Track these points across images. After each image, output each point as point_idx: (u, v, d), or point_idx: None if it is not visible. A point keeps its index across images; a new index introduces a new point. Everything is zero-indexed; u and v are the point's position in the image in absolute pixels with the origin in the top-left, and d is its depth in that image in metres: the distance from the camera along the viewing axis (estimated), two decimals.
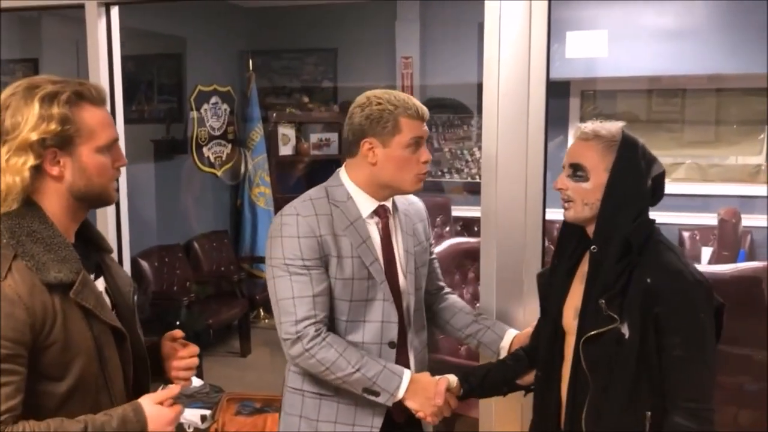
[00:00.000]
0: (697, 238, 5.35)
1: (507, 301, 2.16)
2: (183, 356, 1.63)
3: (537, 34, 2.07)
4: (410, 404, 1.79)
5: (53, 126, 1.35)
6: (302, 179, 5.93)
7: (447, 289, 2.15)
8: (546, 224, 2.14)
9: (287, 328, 1.76)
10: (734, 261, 4.55)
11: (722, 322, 1.61)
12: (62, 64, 4.35)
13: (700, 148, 5.79)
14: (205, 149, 5.55)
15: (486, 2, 2.11)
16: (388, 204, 1.91)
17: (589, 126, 1.65)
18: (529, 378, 1.86)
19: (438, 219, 5.59)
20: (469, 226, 5.61)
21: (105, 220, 2.66)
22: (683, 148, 5.79)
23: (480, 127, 2.19)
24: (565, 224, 1.73)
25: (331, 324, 1.82)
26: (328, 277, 1.80)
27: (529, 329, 1.95)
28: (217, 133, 5.68)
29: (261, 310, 5.73)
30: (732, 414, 2.89)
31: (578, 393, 1.63)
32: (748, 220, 5.05)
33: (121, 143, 2.53)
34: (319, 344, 1.75)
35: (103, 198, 1.47)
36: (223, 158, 5.75)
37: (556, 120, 4.36)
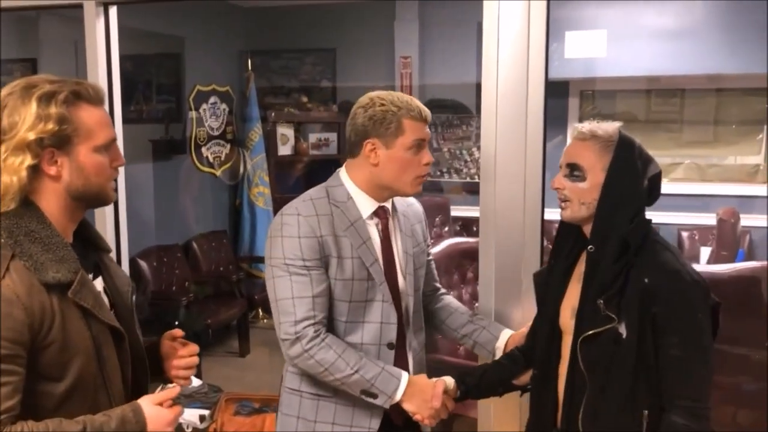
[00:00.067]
0: (696, 238, 5.36)
1: (506, 301, 2.16)
2: (183, 355, 1.62)
3: (536, 33, 2.07)
4: (407, 407, 1.79)
5: (50, 126, 1.34)
6: (301, 179, 5.93)
7: (443, 290, 2.15)
8: (545, 224, 2.14)
9: (286, 328, 1.76)
10: (733, 261, 4.56)
11: (718, 321, 1.62)
12: (61, 64, 4.35)
13: (699, 148, 5.79)
14: (203, 149, 5.55)
15: (484, 2, 2.11)
16: (388, 205, 1.91)
17: (586, 126, 1.66)
18: (526, 378, 1.86)
19: (437, 219, 5.59)
20: (468, 226, 5.61)
21: (103, 220, 2.66)
22: (682, 148, 5.80)
23: (479, 127, 2.19)
24: (562, 224, 1.73)
25: (330, 325, 1.82)
26: (327, 277, 1.79)
27: (525, 329, 1.95)
28: (216, 133, 5.68)
29: (260, 310, 5.73)
30: (731, 414, 2.89)
31: (575, 392, 1.64)
32: (746, 220, 5.05)
33: (120, 143, 2.54)
34: (318, 345, 1.75)
35: (101, 198, 1.46)
36: (222, 158, 5.75)
37: (554, 120, 4.36)
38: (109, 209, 2.65)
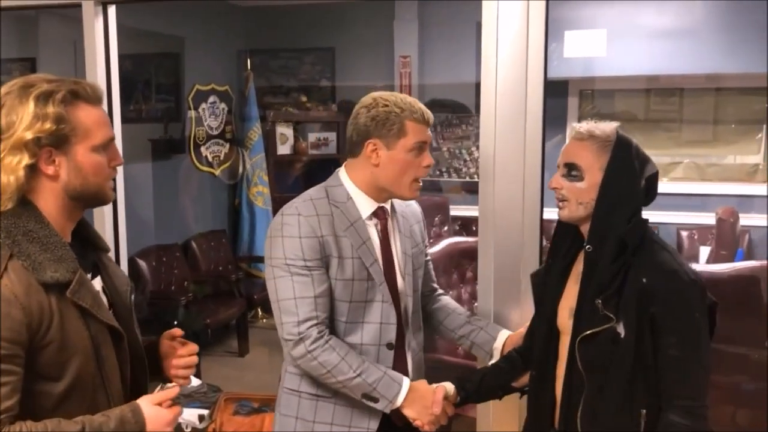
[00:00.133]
0: (695, 237, 5.36)
1: (505, 301, 2.16)
2: (182, 355, 1.62)
3: (535, 33, 2.07)
4: (408, 412, 1.79)
5: (48, 125, 1.34)
6: (300, 178, 5.93)
7: (440, 291, 2.15)
8: (544, 224, 2.14)
9: (290, 328, 1.76)
10: (732, 260, 4.56)
11: (715, 320, 1.62)
12: (60, 64, 4.34)
13: (698, 147, 5.79)
14: (203, 148, 5.55)
15: (484, 2, 2.11)
16: (387, 206, 1.91)
17: (584, 126, 1.66)
18: (524, 380, 1.86)
19: (436, 218, 5.59)
20: (468, 226, 5.61)
21: (102, 220, 2.66)
22: (681, 147, 5.80)
23: (478, 127, 2.19)
24: (560, 223, 1.74)
25: (330, 325, 1.81)
26: (328, 277, 1.79)
27: (522, 330, 1.95)
28: (215, 133, 5.68)
29: (259, 310, 5.73)
30: (730, 413, 2.90)
31: (573, 393, 1.64)
32: (746, 220, 5.06)
33: (119, 142, 2.55)
34: (321, 347, 1.75)
35: (99, 197, 1.46)
36: (221, 157, 5.75)
37: (554, 119, 4.35)
38: (107, 209, 2.65)
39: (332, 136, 6.02)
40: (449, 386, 1.84)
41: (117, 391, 1.46)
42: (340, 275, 1.79)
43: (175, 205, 5.58)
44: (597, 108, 5.85)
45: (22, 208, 1.37)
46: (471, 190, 5.81)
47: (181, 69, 5.48)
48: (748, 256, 5.05)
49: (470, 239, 4.12)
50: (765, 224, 5.06)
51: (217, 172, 5.72)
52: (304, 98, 6.12)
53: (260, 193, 5.81)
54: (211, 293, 5.36)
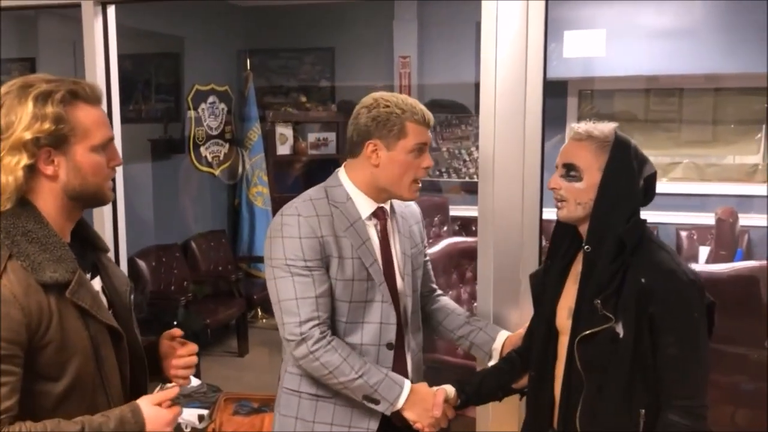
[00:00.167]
0: (695, 237, 5.36)
1: (504, 301, 2.16)
2: (182, 355, 1.62)
3: (534, 33, 2.07)
4: (408, 415, 1.79)
5: (47, 125, 1.34)
6: (300, 179, 5.93)
7: (439, 291, 2.15)
8: (543, 224, 2.14)
9: (292, 329, 1.76)
10: (731, 260, 4.56)
11: (713, 320, 1.63)
12: (59, 64, 4.34)
13: (698, 147, 5.80)
14: (202, 149, 5.55)
15: (483, 2, 2.11)
16: (386, 206, 1.92)
17: (583, 126, 1.67)
18: (524, 381, 1.86)
19: (436, 219, 5.59)
20: (467, 226, 5.61)
21: (102, 220, 2.65)
22: (681, 147, 5.80)
23: (478, 127, 2.19)
24: (558, 224, 1.74)
25: (330, 325, 1.81)
26: (329, 278, 1.79)
27: (522, 330, 1.96)
28: (215, 133, 5.68)
29: (259, 310, 5.73)
30: (729, 413, 2.90)
31: (572, 393, 1.64)
32: (745, 220, 5.06)
33: (119, 143, 2.55)
34: (324, 347, 1.75)
35: (98, 197, 1.46)
36: (221, 158, 5.75)
37: (553, 120, 4.35)
38: (107, 209, 2.65)
39: (332, 136, 6.02)
40: (449, 389, 1.84)
41: (116, 392, 1.46)
42: (340, 275, 1.80)
43: (175, 206, 5.58)
44: (596, 108, 5.85)
45: (21, 209, 1.37)
46: (470, 190, 5.81)
47: (181, 69, 5.48)
48: (748, 256, 5.05)
49: (470, 239, 4.12)
50: (764, 224, 5.06)
51: (217, 173, 5.72)
52: (303, 98, 6.12)
53: (260, 193, 5.82)
54: (211, 293, 5.36)
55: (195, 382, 3.58)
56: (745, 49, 4.91)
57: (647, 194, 1.64)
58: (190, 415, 3.24)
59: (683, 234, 5.39)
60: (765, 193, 5.19)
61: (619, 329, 1.55)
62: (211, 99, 5.64)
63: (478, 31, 2.14)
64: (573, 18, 4.97)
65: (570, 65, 5.02)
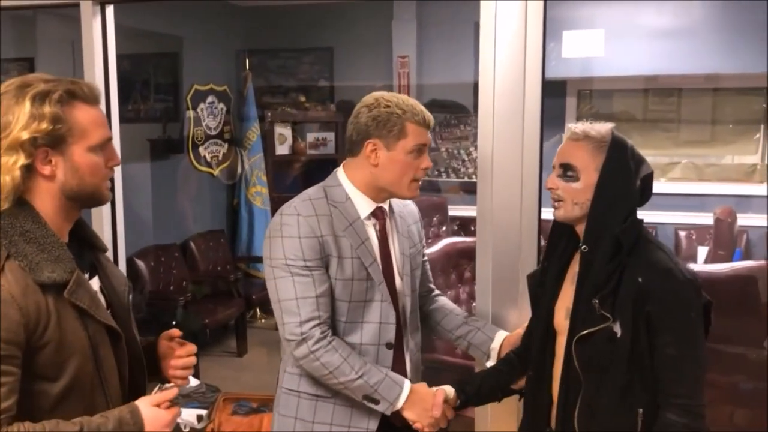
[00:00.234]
0: (694, 237, 5.36)
1: (503, 301, 2.16)
2: (180, 355, 1.62)
3: (533, 33, 2.07)
4: (408, 415, 1.80)
5: (44, 125, 1.34)
6: (299, 179, 5.93)
7: (437, 291, 2.15)
8: (542, 224, 2.14)
9: (292, 329, 1.76)
10: (730, 260, 4.56)
11: (710, 319, 1.63)
12: (58, 64, 4.34)
13: (696, 147, 5.80)
14: (201, 148, 5.55)
15: (482, 2, 2.11)
16: (385, 206, 1.92)
17: (580, 126, 1.67)
18: (523, 382, 1.86)
19: (435, 218, 5.59)
20: (466, 226, 5.61)
21: (100, 220, 2.65)
22: (679, 147, 5.81)
23: (477, 127, 2.19)
24: (555, 224, 1.75)
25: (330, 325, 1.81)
26: (328, 277, 1.79)
27: (520, 330, 1.96)
28: (214, 133, 5.68)
29: (258, 310, 5.73)
30: (728, 413, 2.90)
31: (570, 392, 1.64)
32: (743, 220, 5.06)
33: (117, 142, 2.54)
34: (324, 347, 1.75)
35: (95, 197, 1.46)
36: (220, 158, 5.75)
37: (552, 119, 4.35)
38: (106, 209, 2.64)
39: (331, 136, 6.01)
40: (449, 389, 1.84)
41: (115, 392, 1.46)
42: (340, 275, 1.80)
43: (174, 205, 5.58)
44: (595, 108, 5.85)
45: (19, 209, 1.37)
46: (469, 190, 5.81)
47: (180, 69, 5.48)
48: (746, 256, 5.05)
49: (468, 239, 4.12)
50: (763, 224, 5.06)
51: (216, 172, 5.72)
52: (302, 98, 6.12)
53: (259, 193, 5.81)
54: (210, 293, 5.36)
55: (194, 382, 3.60)
56: (743, 49, 4.92)
57: (644, 194, 1.64)
58: (188, 415, 3.25)
59: (682, 234, 5.39)
60: (763, 193, 5.19)
61: (617, 329, 1.55)
62: (210, 99, 5.64)
63: (476, 30, 2.14)
64: (572, 18, 4.97)
65: (569, 65, 5.02)
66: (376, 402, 1.77)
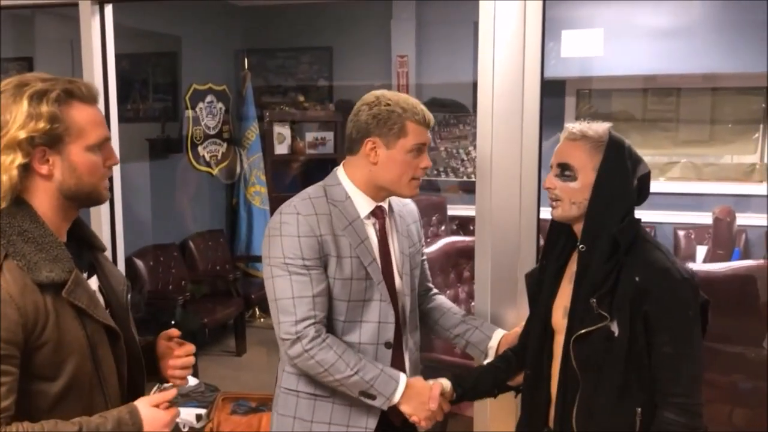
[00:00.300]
0: (692, 236, 5.37)
1: (501, 300, 2.17)
2: (179, 355, 1.62)
3: (532, 33, 2.07)
4: (405, 408, 1.80)
5: (42, 124, 1.34)
6: (298, 178, 5.93)
7: (435, 290, 2.16)
8: (541, 223, 2.14)
9: (287, 328, 1.75)
10: (729, 260, 4.56)
11: (707, 318, 1.64)
12: (57, 63, 4.34)
13: (695, 146, 5.80)
14: (200, 148, 5.54)
15: (481, 1, 2.11)
16: (385, 205, 1.92)
17: (577, 126, 1.68)
18: (520, 379, 1.87)
19: (434, 218, 5.60)
20: (465, 225, 5.61)
21: (99, 219, 2.65)
22: (678, 147, 5.81)
23: (476, 126, 2.19)
24: (553, 223, 1.75)
25: (328, 324, 1.81)
26: (327, 277, 1.79)
27: (518, 329, 1.96)
28: (213, 132, 5.68)
29: (257, 310, 5.72)
30: (726, 412, 2.90)
31: (568, 391, 1.65)
32: (742, 219, 5.06)
33: (116, 142, 2.54)
34: (318, 345, 1.75)
35: (93, 197, 1.46)
36: (219, 157, 5.74)
37: (551, 119, 4.35)
38: (104, 208, 2.64)
39: (329, 135, 6.01)
40: (445, 383, 1.84)
41: (114, 392, 1.46)
42: (339, 274, 1.80)
43: (173, 205, 5.57)
44: (594, 108, 5.85)
45: (17, 208, 1.36)
46: (468, 189, 5.81)
47: (179, 68, 5.47)
48: (745, 255, 5.06)
49: (467, 239, 4.12)
50: (762, 224, 5.07)
51: (215, 172, 5.72)
52: (301, 98, 6.11)
53: (258, 192, 5.81)
54: (209, 293, 5.36)
55: (192, 381, 3.59)
56: (742, 48, 4.92)
57: (641, 194, 1.65)
58: (187, 414, 3.25)
59: (681, 233, 5.39)
60: (762, 193, 5.20)
61: (614, 328, 1.56)
62: (208, 98, 5.64)
63: (475, 30, 2.14)
64: (571, 17, 4.97)
65: (568, 65, 5.02)
66: (373, 397, 1.77)
